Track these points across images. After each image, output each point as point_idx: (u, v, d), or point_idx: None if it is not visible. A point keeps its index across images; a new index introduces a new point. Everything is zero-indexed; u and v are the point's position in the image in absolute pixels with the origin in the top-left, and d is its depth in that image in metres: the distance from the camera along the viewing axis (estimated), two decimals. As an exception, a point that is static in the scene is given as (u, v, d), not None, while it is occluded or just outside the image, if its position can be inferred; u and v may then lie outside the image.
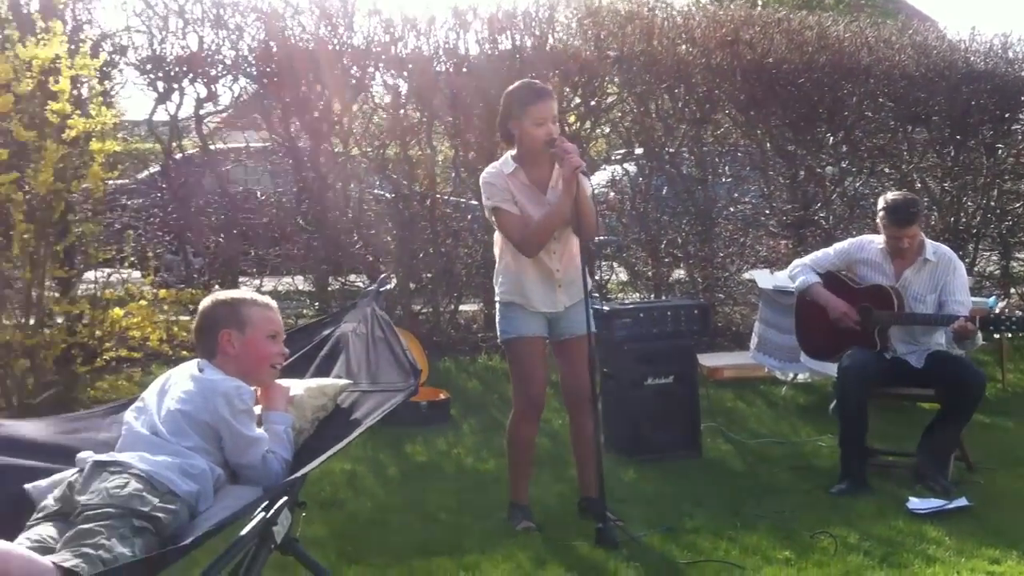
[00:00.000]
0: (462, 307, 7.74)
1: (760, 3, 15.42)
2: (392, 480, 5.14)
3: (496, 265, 4.48)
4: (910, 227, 5.00)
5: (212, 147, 7.08)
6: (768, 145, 8.43)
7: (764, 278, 6.63)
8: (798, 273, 5.33)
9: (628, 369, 5.48)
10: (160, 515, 2.71)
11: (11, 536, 2.69)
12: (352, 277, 7.40)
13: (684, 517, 4.54)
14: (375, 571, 3.91)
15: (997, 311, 5.07)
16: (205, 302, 3.27)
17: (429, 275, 7.47)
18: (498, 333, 4.47)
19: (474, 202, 7.72)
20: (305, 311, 7.27)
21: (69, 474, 2.89)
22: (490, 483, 5.00)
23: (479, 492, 4.90)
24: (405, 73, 7.29)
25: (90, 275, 6.08)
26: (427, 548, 4.14)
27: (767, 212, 8.48)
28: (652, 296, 7.88)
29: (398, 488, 5.00)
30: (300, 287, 7.45)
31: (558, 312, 4.37)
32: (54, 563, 2.45)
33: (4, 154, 5.25)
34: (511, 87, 4.38)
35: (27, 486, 2.91)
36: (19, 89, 5.24)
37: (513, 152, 4.34)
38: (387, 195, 7.51)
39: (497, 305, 4.46)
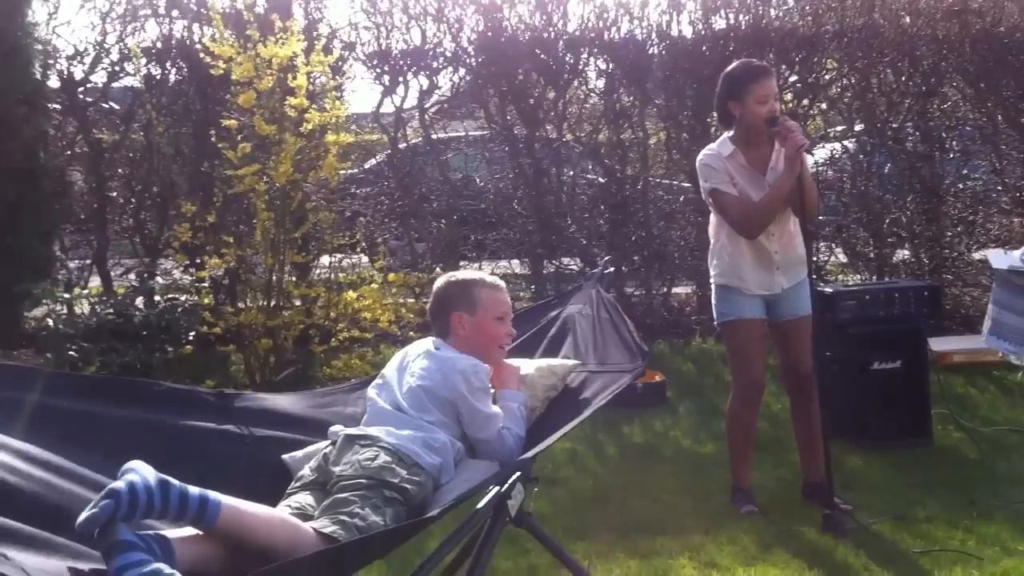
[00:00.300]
0: (675, 289, 7.73)
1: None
2: (611, 460, 5.21)
3: (711, 247, 4.45)
4: None
5: (434, 136, 7.35)
6: (1000, 118, 7.96)
7: (998, 257, 6.27)
8: None
9: (853, 353, 5.31)
10: (408, 487, 2.82)
11: (273, 501, 2.87)
12: (566, 260, 7.52)
13: (915, 505, 4.39)
14: (601, 547, 3.98)
15: None
16: (439, 282, 3.38)
17: (637, 258, 7.48)
18: (714, 316, 4.45)
19: (686, 184, 7.70)
20: (521, 294, 7.44)
21: (322, 446, 3.05)
22: (710, 465, 5.00)
23: (699, 474, 4.91)
24: (618, 57, 7.32)
25: (324, 260, 6.45)
26: (651, 527, 4.18)
27: (999, 188, 8.02)
28: (874, 277, 7.62)
29: (618, 468, 5.07)
30: (516, 271, 7.64)
31: (776, 294, 4.32)
32: (315, 529, 2.60)
33: (247, 147, 5.65)
34: (729, 67, 4.34)
35: (285, 456, 3.09)
36: (261, 86, 5.62)
37: (731, 133, 4.30)
38: (599, 179, 7.58)
39: (712, 288, 4.44)
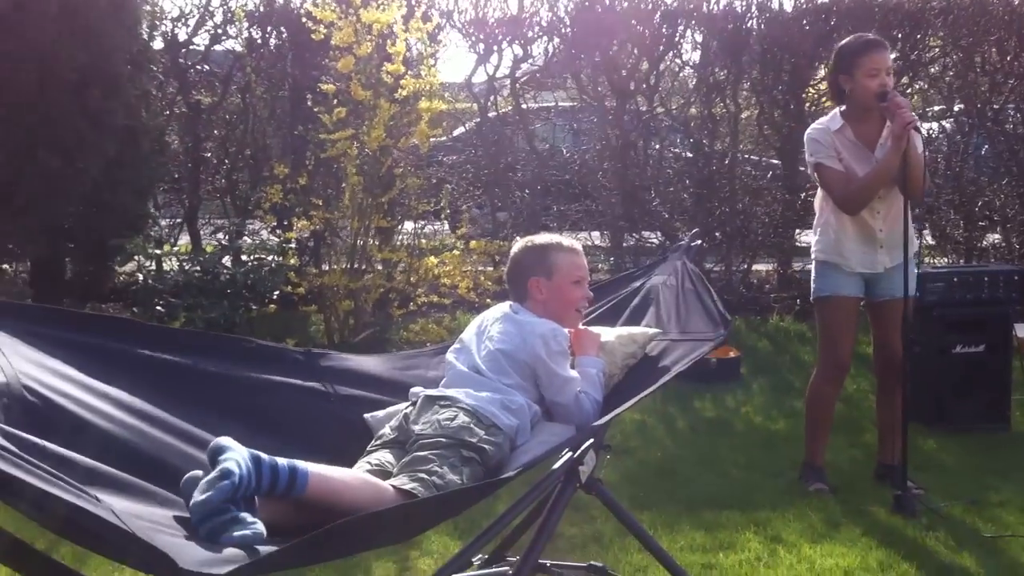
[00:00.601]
0: (755, 266, 7.70)
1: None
2: (681, 433, 5.25)
3: (815, 222, 4.44)
4: None
5: (523, 106, 7.42)
6: (1108, 102, 7.72)
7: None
8: None
9: (936, 336, 5.27)
10: (486, 447, 2.89)
11: (353, 458, 3.00)
12: (646, 234, 7.54)
13: (989, 490, 4.37)
14: (667, 518, 4.05)
15: None
16: (516, 247, 3.42)
17: (719, 234, 7.46)
18: (812, 290, 4.44)
19: (775, 160, 7.64)
20: (600, 266, 7.49)
21: (403, 406, 3.13)
22: (780, 442, 5.03)
23: (769, 450, 4.94)
24: (716, 30, 7.29)
25: (408, 226, 6.56)
26: (717, 501, 4.23)
27: (1100, 174, 7.78)
28: (961, 260, 7.49)
29: (687, 441, 5.11)
30: (597, 242, 7.68)
31: (878, 273, 4.29)
32: (394, 486, 2.69)
33: (342, 112, 5.79)
34: (843, 40, 4.30)
35: (366, 416, 3.19)
36: (360, 51, 5.74)
37: (842, 108, 4.28)
38: (687, 153, 7.57)
39: (813, 263, 4.44)
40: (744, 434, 5.26)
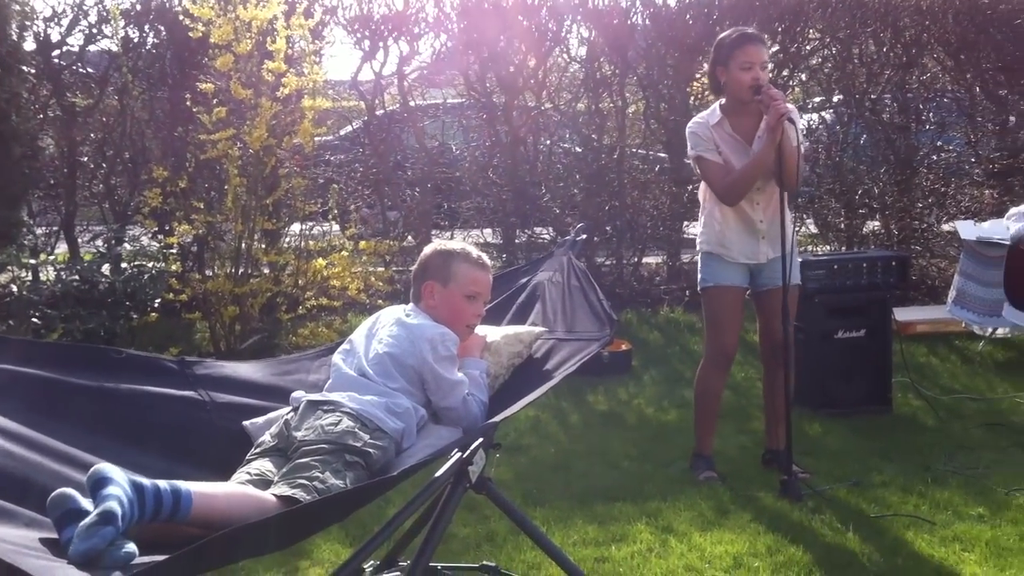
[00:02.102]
0: (645, 259, 7.78)
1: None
2: (574, 427, 5.26)
3: (699, 214, 4.50)
4: None
5: (411, 103, 7.35)
6: (977, 90, 8.02)
7: (967, 229, 6.36)
8: (1013, 219, 5.13)
9: (819, 321, 5.38)
10: (371, 451, 2.87)
11: (230, 469, 2.93)
12: (538, 230, 7.55)
13: (872, 471, 4.48)
14: (559, 514, 4.05)
15: None
16: (429, 247, 3.39)
17: (609, 228, 7.52)
18: (698, 281, 4.50)
19: (662, 154, 7.73)
20: (493, 263, 7.45)
21: (284, 412, 3.08)
22: (672, 433, 5.07)
23: (660, 441, 4.98)
24: (601, 25, 7.32)
25: (295, 227, 6.44)
26: (610, 494, 4.25)
27: (972, 160, 8.10)
28: (843, 248, 7.69)
29: (580, 435, 5.12)
30: (488, 239, 7.68)
31: (760, 263, 4.37)
32: (275, 495, 2.64)
33: (222, 112, 5.65)
34: (723, 33, 4.36)
35: (245, 423, 3.12)
36: (239, 49, 5.60)
37: (721, 102, 4.34)
38: (576, 148, 7.60)
39: (699, 254, 4.50)
40: (636, 426, 5.29)
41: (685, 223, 7.66)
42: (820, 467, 4.52)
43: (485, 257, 3.38)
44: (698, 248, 4.49)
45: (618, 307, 7.04)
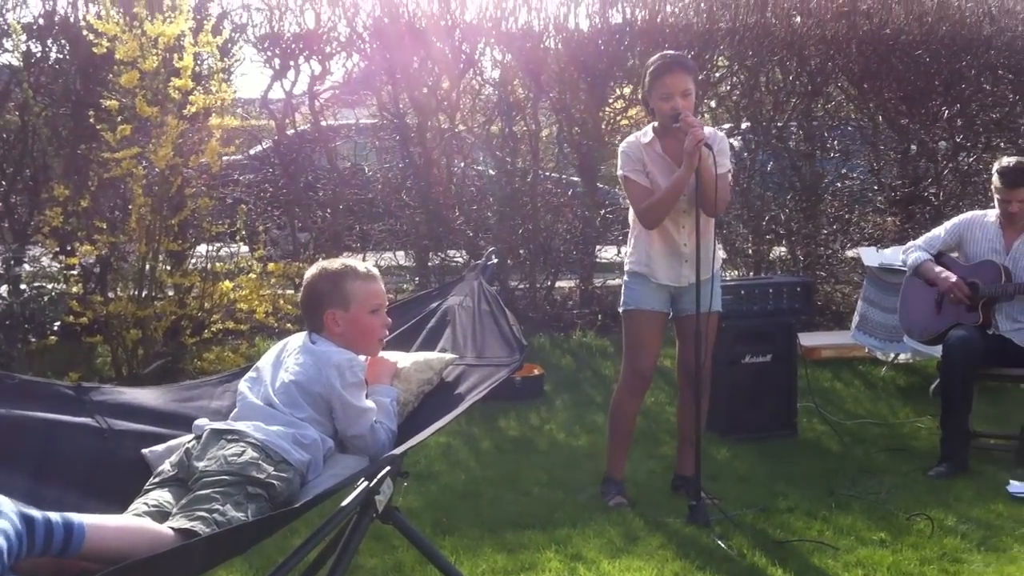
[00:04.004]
0: (558, 283, 7.79)
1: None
2: (486, 454, 5.24)
3: (628, 235, 4.53)
4: (1019, 188, 4.96)
5: (323, 123, 7.27)
6: (880, 119, 8.25)
7: (870, 255, 6.54)
8: (910, 252, 5.29)
9: (726, 347, 5.42)
10: (275, 483, 2.80)
11: (129, 499, 2.85)
12: (452, 252, 7.53)
13: (777, 497, 4.55)
14: (468, 543, 4.01)
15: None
16: (310, 273, 3.30)
17: (526, 251, 7.52)
18: (620, 302, 4.52)
19: (575, 178, 7.78)
20: (405, 286, 7.43)
21: (185, 440, 3.00)
22: (582, 458, 5.08)
23: (571, 467, 4.98)
24: (514, 48, 7.34)
25: (201, 249, 6.30)
26: (519, 521, 4.23)
27: (875, 188, 8.33)
28: (751, 273, 7.82)
29: (491, 462, 5.10)
30: (401, 262, 7.62)
31: (682, 287, 4.40)
32: (172, 528, 2.56)
33: (127, 129, 5.51)
34: (651, 58, 4.39)
35: (144, 451, 3.03)
36: (145, 66, 5.48)
37: (654, 123, 4.38)
38: (490, 171, 7.60)
39: (624, 275, 4.51)
40: (547, 451, 5.29)
41: (598, 247, 7.71)
42: (728, 492, 4.57)
43: (370, 266, 3.34)
44: (625, 268, 4.51)
45: (531, 331, 7.05)
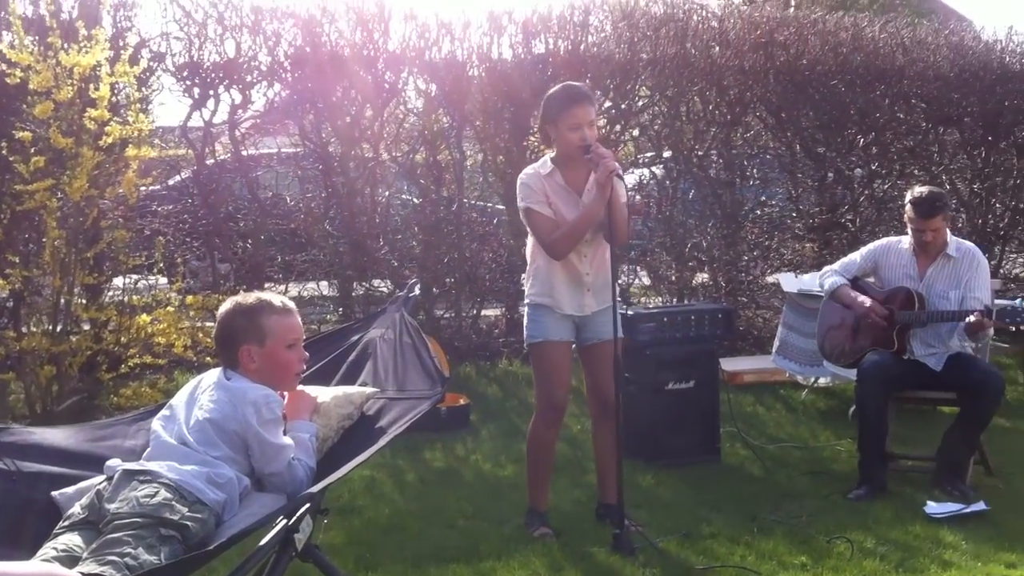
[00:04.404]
0: (484, 312, 7.80)
1: (794, 4, 15.30)
2: (410, 486, 5.19)
3: (527, 267, 4.53)
4: (932, 219, 5.07)
5: (244, 153, 7.19)
6: (797, 147, 8.44)
7: (789, 281, 6.66)
8: (827, 277, 5.39)
9: (650, 374, 5.50)
10: (189, 524, 2.77)
11: (38, 544, 2.77)
12: (376, 282, 7.48)
13: (701, 523, 4.58)
14: (393, 577, 3.97)
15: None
16: (224, 308, 3.26)
17: (451, 280, 7.53)
18: (525, 336, 4.51)
19: (500, 206, 7.80)
20: (328, 316, 7.37)
21: (97, 482, 2.95)
22: (508, 489, 5.06)
23: (497, 498, 4.96)
24: (438, 78, 7.36)
25: (118, 281, 6.18)
26: (443, 555, 4.19)
27: (794, 215, 8.50)
28: (675, 300, 7.91)
29: (416, 494, 5.06)
30: (324, 292, 7.55)
31: (585, 316, 4.41)
32: (81, 573, 2.50)
33: (40, 161, 5.39)
34: (551, 90, 4.41)
35: (54, 493, 2.97)
36: (59, 96, 5.37)
37: (552, 154, 4.39)
38: (414, 200, 7.59)
39: (526, 307, 4.51)
40: (473, 483, 5.26)
41: (523, 275, 7.70)
42: (652, 519, 4.60)
43: (286, 299, 3.31)
44: (527, 300, 4.50)
45: (457, 360, 7.03)
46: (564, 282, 4.38)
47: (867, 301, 5.17)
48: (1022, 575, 4.01)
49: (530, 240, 4.50)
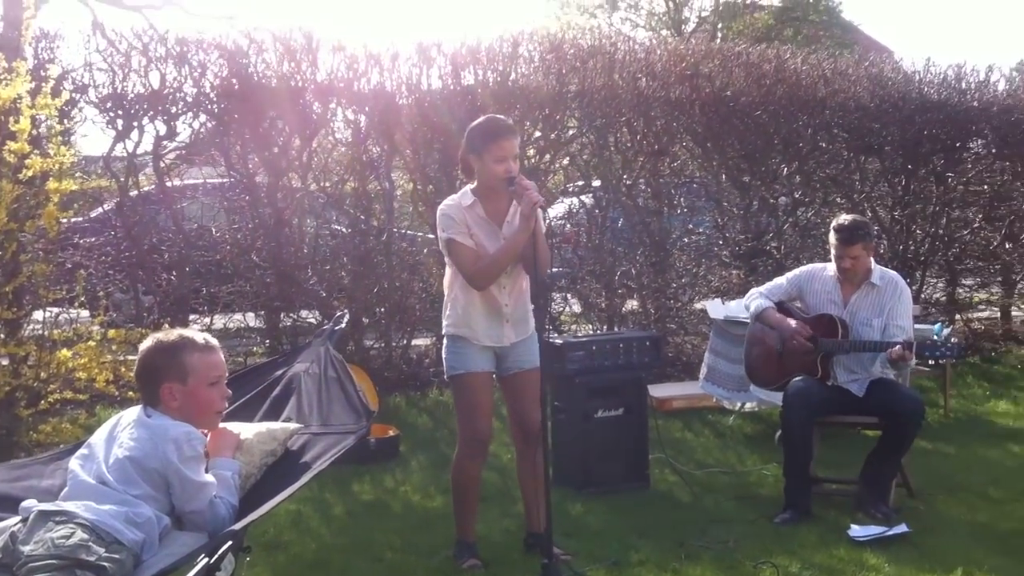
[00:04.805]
0: (414, 341, 7.77)
1: (719, 36, 15.60)
2: (337, 520, 5.13)
3: (445, 298, 4.53)
4: (852, 246, 5.18)
5: (169, 184, 7.11)
6: (723, 176, 8.58)
7: (715, 308, 6.74)
8: (753, 299, 5.48)
9: (579, 402, 5.53)
10: (106, 565, 2.72)
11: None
12: (304, 313, 7.42)
13: (630, 550, 4.60)
14: (317, 613, 3.94)
15: (940, 338, 5.21)
16: (145, 345, 3.23)
17: (381, 310, 7.50)
18: (445, 368, 4.50)
19: (430, 236, 7.80)
20: (256, 349, 7.29)
21: (11, 523, 2.89)
22: (437, 520, 5.03)
23: (426, 530, 4.93)
24: (367, 108, 7.36)
25: (38, 315, 6.06)
26: (371, 589, 4.17)
27: (720, 242, 8.63)
28: (605, 327, 7.96)
29: (343, 528, 5.00)
30: (251, 324, 7.48)
31: (504, 347, 4.42)
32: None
33: (-42, 196, 5.27)
34: (475, 122, 4.44)
35: (-32, 536, 2.90)
36: (-22, 131, 5.27)
37: (473, 185, 4.41)
38: (344, 230, 7.56)
39: (444, 339, 4.51)
40: (402, 515, 5.22)
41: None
42: (581, 548, 4.61)
43: (208, 336, 3.29)
44: (444, 332, 4.50)
45: (387, 391, 6.99)
46: (483, 313, 4.38)
47: (792, 323, 5.26)
48: (942, 595, 4.09)
49: (448, 271, 4.50)
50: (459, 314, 4.41)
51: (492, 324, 4.39)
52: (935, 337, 5.03)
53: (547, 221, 4.48)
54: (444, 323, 4.51)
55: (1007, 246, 9.46)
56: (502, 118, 4.61)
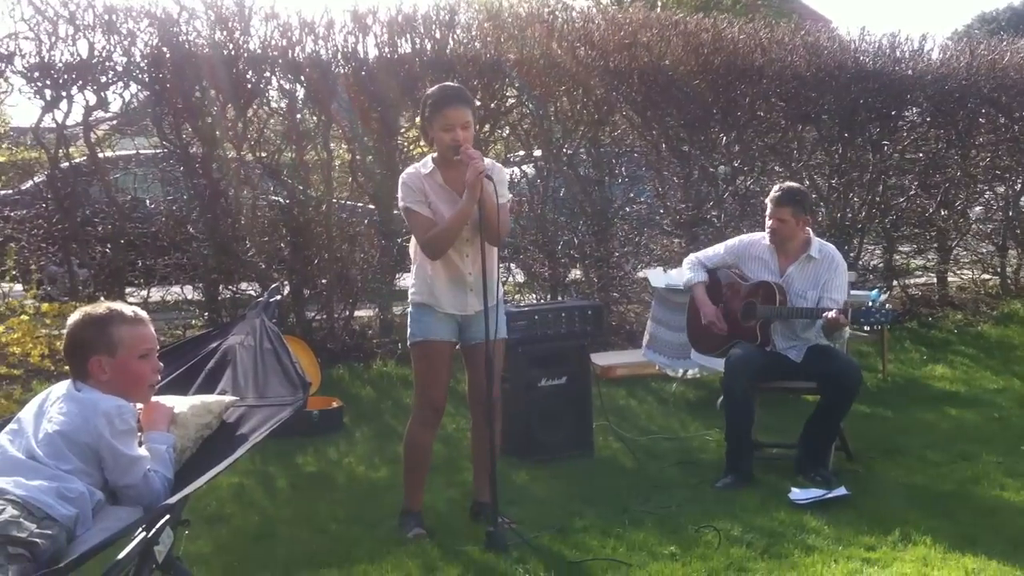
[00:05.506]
0: (357, 313, 7.71)
1: (659, 5, 15.59)
2: (281, 492, 5.09)
3: (411, 266, 4.52)
4: (782, 208, 5.27)
5: (101, 155, 6.93)
6: (663, 146, 8.58)
7: (657, 276, 6.77)
8: (688, 268, 5.51)
9: (522, 371, 5.52)
10: (38, 541, 2.69)
11: None
12: (244, 285, 7.32)
13: (574, 517, 4.62)
14: (261, 586, 3.89)
15: (875, 304, 5.27)
16: (73, 319, 3.17)
17: (324, 281, 7.42)
18: (408, 335, 4.49)
19: (371, 206, 7.72)
20: (194, 321, 7.18)
21: None
22: (382, 491, 5.01)
23: (370, 501, 4.90)
24: (302, 77, 7.24)
25: (-33, 291, 5.91)
26: (315, 560, 4.13)
27: (661, 211, 8.66)
28: (548, 297, 7.96)
29: (287, 500, 4.97)
30: (189, 297, 7.36)
31: (468, 315, 4.42)
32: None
33: None
34: (429, 90, 4.41)
35: None
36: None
37: (434, 154, 4.39)
38: (282, 201, 7.45)
39: (409, 307, 4.49)
40: (346, 486, 5.19)
41: (397, 275, 7.66)
42: (526, 515, 4.61)
43: (138, 309, 3.23)
44: (409, 299, 4.50)
45: (330, 363, 6.92)
46: (446, 281, 4.38)
47: (710, 312, 5.34)
48: (880, 556, 4.15)
49: (413, 240, 4.48)
50: (422, 282, 4.41)
51: (456, 292, 4.39)
52: (870, 303, 5.11)
53: (507, 191, 4.46)
54: (410, 291, 4.51)
55: (942, 213, 9.60)
56: (452, 86, 4.58)
